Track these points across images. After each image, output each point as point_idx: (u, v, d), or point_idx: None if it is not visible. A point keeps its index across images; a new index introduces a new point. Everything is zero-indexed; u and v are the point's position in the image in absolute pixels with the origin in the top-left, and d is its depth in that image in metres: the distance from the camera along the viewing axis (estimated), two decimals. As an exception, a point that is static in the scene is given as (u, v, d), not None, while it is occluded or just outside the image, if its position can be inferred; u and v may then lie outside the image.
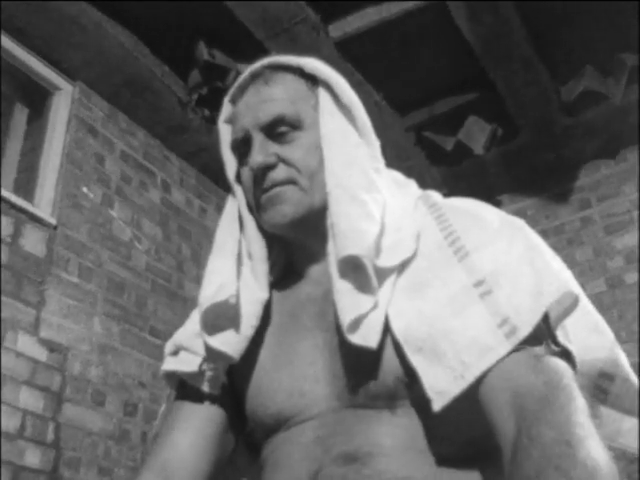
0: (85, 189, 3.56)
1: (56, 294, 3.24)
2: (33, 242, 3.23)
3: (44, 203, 3.39)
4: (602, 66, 3.91)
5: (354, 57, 3.63)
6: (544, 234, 4.22)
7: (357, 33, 3.53)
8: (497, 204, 4.53)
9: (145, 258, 3.78)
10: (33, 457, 2.93)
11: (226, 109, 1.12)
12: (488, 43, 3.58)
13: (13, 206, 3.18)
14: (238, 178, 1.09)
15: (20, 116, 3.70)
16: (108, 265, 3.55)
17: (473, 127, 4.14)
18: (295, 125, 1.03)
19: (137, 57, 3.61)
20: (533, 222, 4.28)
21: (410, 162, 4.23)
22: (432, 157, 4.39)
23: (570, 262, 4.21)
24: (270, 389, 1.00)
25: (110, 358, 3.40)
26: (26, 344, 3.04)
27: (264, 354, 1.03)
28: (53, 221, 3.34)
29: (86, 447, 3.15)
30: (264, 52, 3.31)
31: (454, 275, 0.90)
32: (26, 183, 3.48)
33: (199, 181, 4.35)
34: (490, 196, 4.46)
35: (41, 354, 3.09)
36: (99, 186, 3.65)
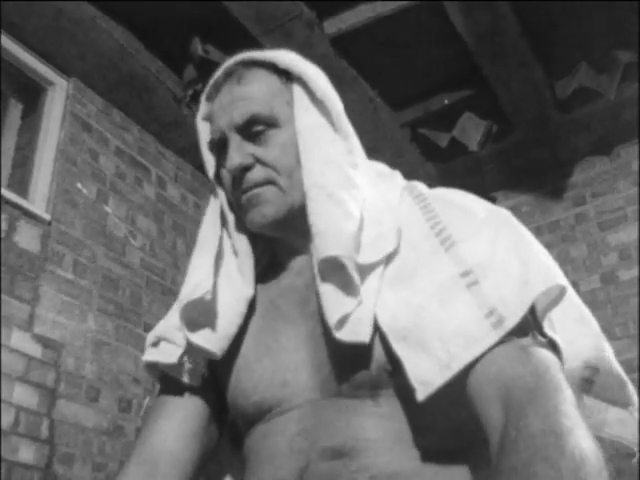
0: (80, 185, 3.55)
1: (50, 290, 3.23)
2: (27, 238, 3.22)
3: (38, 199, 3.38)
4: (596, 63, 3.92)
5: (349, 54, 3.62)
6: (539, 230, 4.24)
7: (352, 30, 3.52)
8: (492, 201, 4.49)
9: (140, 254, 3.78)
10: (27, 453, 2.92)
11: (203, 107, 1.10)
12: (483, 40, 3.58)
13: (7, 202, 3.17)
14: (218, 176, 1.08)
15: (14, 111, 3.69)
16: (103, 261, 3.54)
17: (468, 124, 4.14)
18: (270, 123, 1.01)
19: (131, 53, 3.60)
20: (528, 218, 4.29)
21: (405, 158, 4.23)
22: (427, 153, 4.39)
23: (564, 258, 4.24)
24: (252, 378, 0.99)
25: (104, 354, 3.39)
26: (20, 340, 3.03)
27: (246, 343, 1.03)
28: (47, 217, 3.33)
29: (80, 443, 3.15)
30: (259, 48, 3.30)
31: (441, 265, 0.90)
32: (20, 179, 3.47)
33: (194, 177, 4.35)
34: (485, 193, 4.46)
35: (35, 350, 3.08)
36: (94, 182, 3.64)
